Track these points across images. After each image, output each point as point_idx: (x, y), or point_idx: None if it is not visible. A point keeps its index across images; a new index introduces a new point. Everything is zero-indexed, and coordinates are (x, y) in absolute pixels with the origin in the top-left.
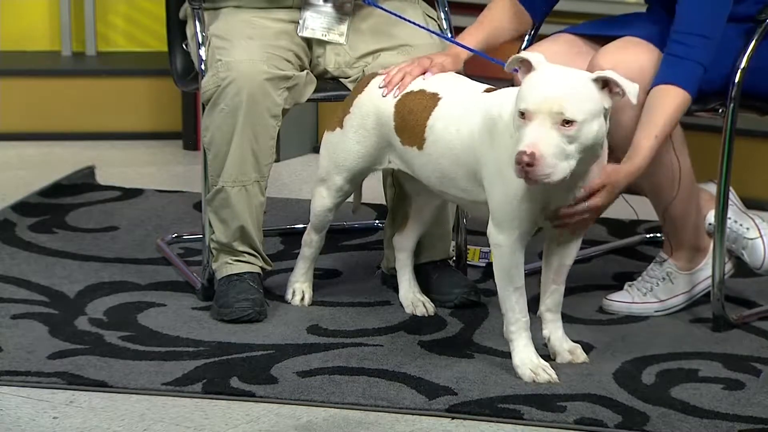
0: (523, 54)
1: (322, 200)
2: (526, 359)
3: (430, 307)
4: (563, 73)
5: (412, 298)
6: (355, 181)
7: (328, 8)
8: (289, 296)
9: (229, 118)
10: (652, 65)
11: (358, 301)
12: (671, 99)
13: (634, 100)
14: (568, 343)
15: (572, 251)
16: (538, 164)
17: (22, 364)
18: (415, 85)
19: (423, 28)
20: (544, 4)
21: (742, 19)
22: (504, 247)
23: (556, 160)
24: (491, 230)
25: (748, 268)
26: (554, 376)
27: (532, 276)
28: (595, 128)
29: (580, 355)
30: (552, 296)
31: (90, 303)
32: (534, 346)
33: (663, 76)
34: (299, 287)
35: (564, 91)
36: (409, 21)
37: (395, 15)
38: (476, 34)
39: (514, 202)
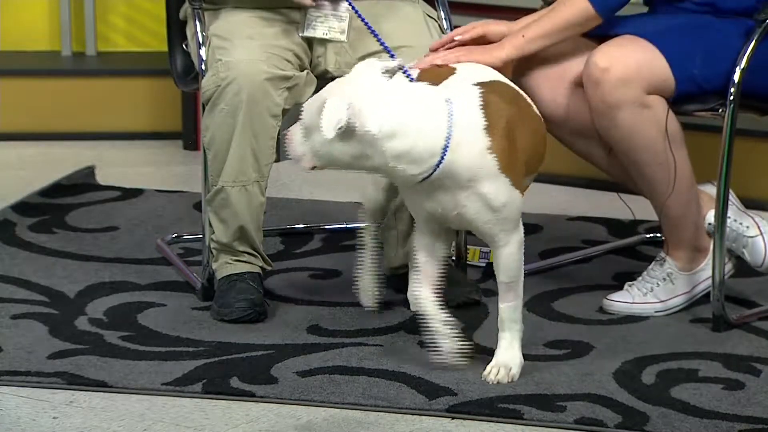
0: (392, 60)
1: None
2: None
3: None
4: (338, 85)
5: None
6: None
7: (329, 7)
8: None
9: (229, 118)
10: (649, 63)
11: (358, 301)
12: (568, 7)
13: (325, 131)
14: (504, 356)
15: (502, 268)
16: (287, 144)
17: (22, 364)
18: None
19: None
20: None
21: (741, 12)
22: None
23: (301, 150)
24: None
25: (748, 268)
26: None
27: (534, 276)
28: (326, 145)
29: (500, 375)
30: (501, 313)
31: (90, 303)
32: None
33: None
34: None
35: (311, 99)
36: (381, 41)
37: (368, 26)
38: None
39: (407, 191)
